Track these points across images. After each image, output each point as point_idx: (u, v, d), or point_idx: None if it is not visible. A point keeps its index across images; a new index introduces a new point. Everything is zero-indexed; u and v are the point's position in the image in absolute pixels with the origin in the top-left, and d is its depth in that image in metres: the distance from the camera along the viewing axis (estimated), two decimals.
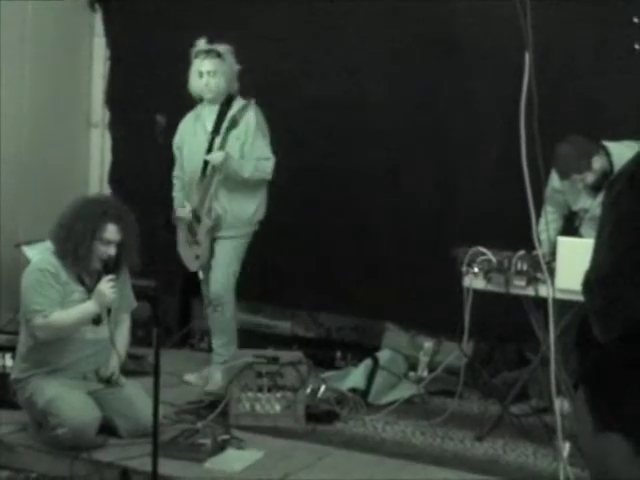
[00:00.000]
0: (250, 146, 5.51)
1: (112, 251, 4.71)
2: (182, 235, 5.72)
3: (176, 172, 5.84)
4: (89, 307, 4.68)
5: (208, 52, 5.56)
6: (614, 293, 2.41)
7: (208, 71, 5.55)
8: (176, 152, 5.77)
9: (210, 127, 5.59)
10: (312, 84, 6.24)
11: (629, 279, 2.39)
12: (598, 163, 5.10)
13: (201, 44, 5.58)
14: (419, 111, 6.01)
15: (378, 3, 6.05)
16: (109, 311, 4.75)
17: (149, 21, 6.69)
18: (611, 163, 5.09)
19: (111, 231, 4.72)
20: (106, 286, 4.66)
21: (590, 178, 5.13)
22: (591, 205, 5.24)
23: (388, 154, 6.12)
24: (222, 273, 5.61)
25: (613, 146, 5.12)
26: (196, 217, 5.62)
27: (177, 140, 5.73)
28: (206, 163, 5.54)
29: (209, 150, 5.54)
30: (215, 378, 5.50)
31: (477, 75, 5.82)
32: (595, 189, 5.18)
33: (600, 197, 5.13)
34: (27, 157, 6.33)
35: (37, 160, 6.40)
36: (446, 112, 5.97)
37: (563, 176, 5.17)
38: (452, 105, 5.95)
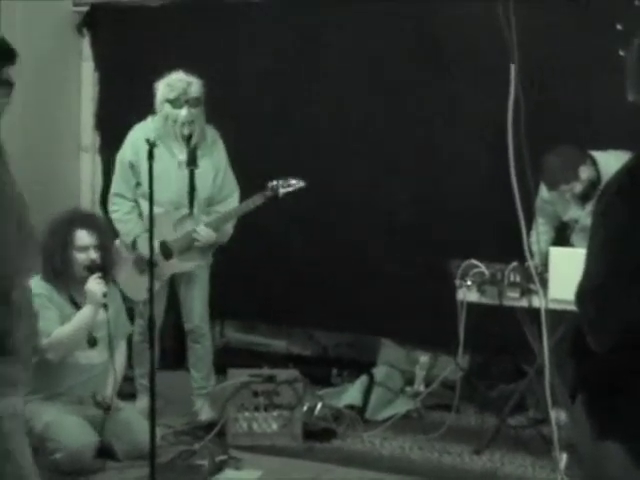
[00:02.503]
0: (223, 178, 5.32)
1: (93, 255, 4.73)
2: (129, 261, 5.30)
3: (121, 191, 5.33)
4: (85, 312, 4.70)
5: (187, 101, 5.15)
6: (606, 303, 2.41)
7: (190, 121, 5.18)
8: (126, 169, 5.30)
9: (181, 156, 5.19)
10: (298, 98, 6.25)
11: (621, 289, 2.39)
12: (585, 173, 5.11)
13: (178, 85, 5.17)
14: (408, 124, 6.02)
15: (364, 17, 6.06)
16: (109, 332, 4.75)
17: (137, 44, 6.70)
18: (598, 172, 5.11)
19: (82, 236, 4.75)
20: (93, 283, 4.66)
21: (578, 188, 5.13)
22: (580, 215, 5.25)
23: (380, 169, 6.12)
24: (202, 304, 5.43)
25: (600, 155, 5.13)
26: (165, 251, 5.25)
27: (129, 156, 5.27)
28: (192, 198, 5.25)
29: (191, 182, 5.22)
30: (205, 409, 5.45)
31: (465, 86, 5.82)
32: (584, 199, 5.19)
33: (589, 207, 5.15)
34: (17, 182, 6.31)
35: (27, 185, 6.35)
36: (436, 124, 5.97)
37: (551, 187, 5.18)
38: (441, 117, 5.95)
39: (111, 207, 5.40)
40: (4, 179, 2.66)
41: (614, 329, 2.41)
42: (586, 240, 4.38)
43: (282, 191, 5.24)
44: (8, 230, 2.48)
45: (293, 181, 5.26)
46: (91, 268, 4.71)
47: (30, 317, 2.59)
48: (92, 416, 4.73)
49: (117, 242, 5.35)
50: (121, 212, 5.33)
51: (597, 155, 5.13)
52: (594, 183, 5.09)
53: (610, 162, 5.01)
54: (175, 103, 5.17)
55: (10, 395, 2.62)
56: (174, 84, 5.19)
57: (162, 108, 5.22)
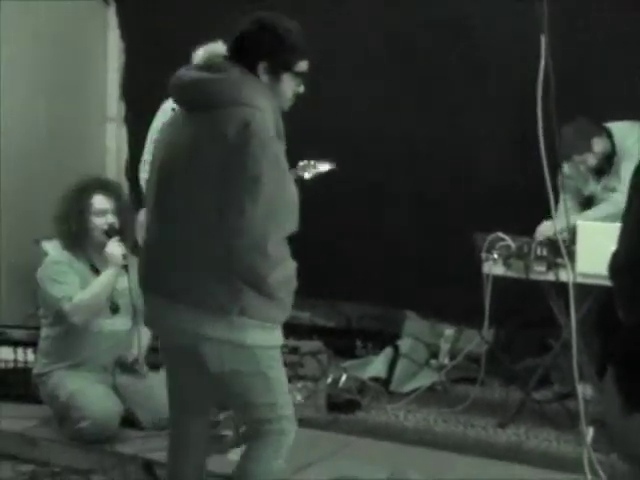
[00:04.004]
0: None
1: (110, 219, 4.77)
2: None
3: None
4: (106, 274, 4.74)
5: None
6: None
7: None
8: (154, 147, 5.37)
9: None
10: (326, 72, 6.20)
11: None
12: (599, 145, 5.07)
13: (218, 52, 5.03)
14: (434, 96, 5.99)
15: None
16: (131, 299, 4.78)
17: (163, 12, 6.67)
18: (614, 146, 5.06)
19: (99, 201, 4.79)
20: (113, 246, 4.71)
21: (591, 160, 5.10)
22: (596, 190, 5.21)
23: (405, 141, 6.09)
24: None
25: (615, 127, 5.09)
26: None
27: (160, 125, 5.07)
28: None
29: None
30: None
31: (494, 58, 5.79)
32: (599, 173, 5.15)
33: (604, 181, 5.12)
34: (44, 152, 6.34)
35: (54, 155, 6.41)
36: (462, 96, 5.94)
37: (564, 158, 5.12)
38: (468, 89, 5.92)
39: (141, 174, 5.47)
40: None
41: None
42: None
43: (313, 172, 5.19)
44: (277, 189, 3.06)
45: (323, 164, 5.21)
46: (109, 232, 4.75)
47: (288, 268, 3.20)
48: (117, 384, 4.77)
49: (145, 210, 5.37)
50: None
51: (613, 127, 5.09)
52: (609, 157, 5.05)
53: (624, 133, 4.99)
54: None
55: (273, 329, 3.17)
56: (213, 52, 5.19)
57: None
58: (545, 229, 4.98)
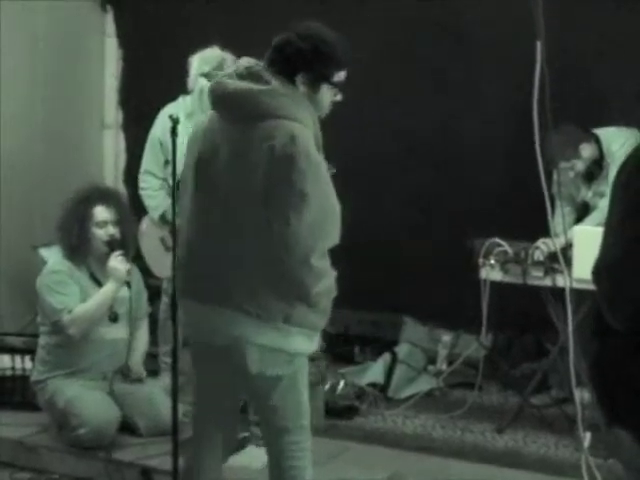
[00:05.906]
0: None
1: (111, 230, 4.76)
2: (156, 238, 5.36)
3: (151, 168, 5.39)
4: (108, 288, 4.73)
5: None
6: (623, 278, 2.39)
7: None
8: (155, 147, 5.36)
9: None
10: None
11: (638, 266, 2.37)
12: (587, 151, 5.07)
13: (213, 59, 5.24)
14: (432, 101, 5.99)
15: None
16: (130, 308, 4.78)
17: (161, 20, 6.69)
18: (601, 150, 5.07)
19: (100, 211, 4.78)
20: (116, 261, 4.70)
21: (580, 166, 5.11)
22: (587, 195, 5.22)
23: (402, 147, 6.10)
24: None
25: (602, 133, 5.10)
26: None
27: (159, 134, 5.30)
28: None
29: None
30: None
31: (490, 64, 5.80)
32: (589, 178, 5.16)
33: (595, 187, 5.13)
34: (41, 159, 6.34)
35: (51, 162, 6.41)
36: (459, 102, 5.95)
37: (551, 164, 5.13)
38: (465, 95, 5.93)
39: (141, 184, 5.45)
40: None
41: (629, 305, 2.39)
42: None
43: None
44: (321, 202, 3.12)
45: None
46: (111, 243, 4.74)
47: (329, 278, 3.24)
48: (115, 391, 4.76)
49: (146, 219, 5.38)
50: (151, 189, 5.38)
51: (600, 133, 5.10)
52: (597, 162, 5.06)
53: (609, 137, 5.00)
54: (210, 77, 5.18)
55: (313, 337, 3.29)
56: (209, 58, 5.24)
57: (197, 82, 5.25)
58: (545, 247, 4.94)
